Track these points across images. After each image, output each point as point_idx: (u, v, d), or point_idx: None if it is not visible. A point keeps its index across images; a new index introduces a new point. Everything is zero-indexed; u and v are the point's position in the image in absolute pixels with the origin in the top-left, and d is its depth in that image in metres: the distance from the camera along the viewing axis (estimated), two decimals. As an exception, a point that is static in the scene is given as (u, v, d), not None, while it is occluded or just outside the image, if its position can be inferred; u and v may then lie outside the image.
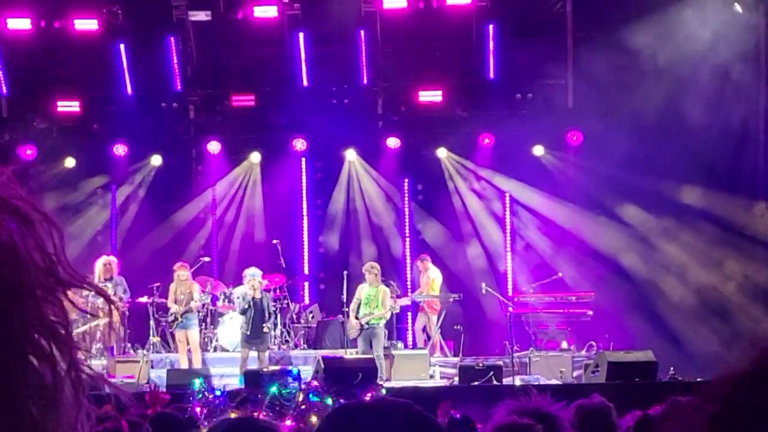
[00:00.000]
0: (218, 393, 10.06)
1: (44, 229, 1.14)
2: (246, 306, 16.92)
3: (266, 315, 16.98)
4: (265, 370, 16.01)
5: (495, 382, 15.51)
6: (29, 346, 1.10)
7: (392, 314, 17.87)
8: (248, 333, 16.85)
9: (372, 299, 17.24)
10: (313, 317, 19.50)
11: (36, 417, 1.09)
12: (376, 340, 17.06)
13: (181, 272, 17.54)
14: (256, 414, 8.14)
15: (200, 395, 9.94)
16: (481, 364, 16.18)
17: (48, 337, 1.12)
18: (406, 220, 21.19)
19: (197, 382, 10.50)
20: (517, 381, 15.92)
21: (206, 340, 18.32)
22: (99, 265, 17.66)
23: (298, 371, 11.46)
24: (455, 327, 18.55)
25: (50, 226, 1.15)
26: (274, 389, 9.56)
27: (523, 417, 4.07)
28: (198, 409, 9.59)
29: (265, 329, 16.99)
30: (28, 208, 1.14)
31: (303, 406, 9.53)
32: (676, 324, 19.19)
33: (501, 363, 16.45)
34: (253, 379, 15.20)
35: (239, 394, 10.05)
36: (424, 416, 1.80)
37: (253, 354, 16.90)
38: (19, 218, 1.12)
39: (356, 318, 17.27)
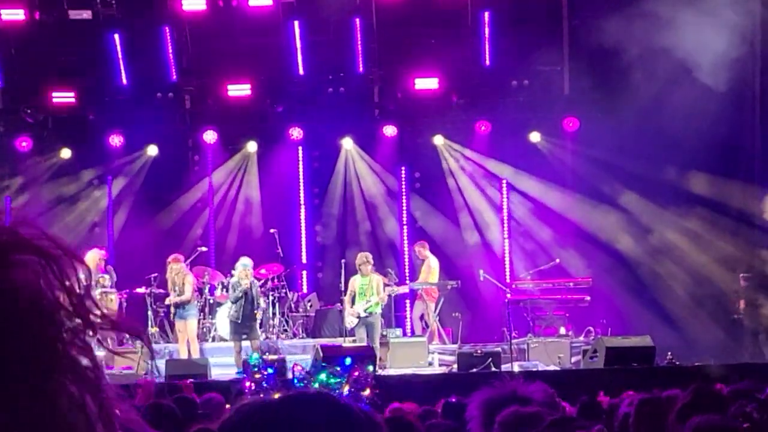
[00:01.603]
0: (270, 371, 10.08)
1: (69, 266, 1.11)
2: (239, 295, 16.91)
3: (255, 304, 17.03)
4: (265, 358, 16.06)
5: (493, 369, 15.50)
6: (60, 393, 1.09)
7: (390, 301, 17.89)
8: (238, 321, 16.84)
9: (366, 288, 17.23)
10: (311, 306, 19.50)
11: None
12: (372, 329, 17.05)
13: (173, 265, 17.47)
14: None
15: (255, 369, 9.97)
16: (479, 351, 16.18)
17: (78, 382, 1.11)
18: (404, 208, 21.18)
19: (254, 357, 10.76)
20: (516, 367, 15.93)
21: (204, 330, 18.31)
22: (95, 258, 17.52)
23: (351, 362, 11.00)
24: (453, 314, 18.55)
25: (75, 262, 1.12)
26: (323, 376, 9.36)
27: (499, 402, 4.04)
28: (248, 384, 9.59)
29: (258, 315, 17.00)
30: (51, 246, 1.11)
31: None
32: (674, 309, 19.19)
33: (499, 349, 16.46)
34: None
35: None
36: (343, 407, 1.61)
37: (246, 344, 16.87)
38: (43, 258, 1.10)
39: (352, 308, 17.26)
